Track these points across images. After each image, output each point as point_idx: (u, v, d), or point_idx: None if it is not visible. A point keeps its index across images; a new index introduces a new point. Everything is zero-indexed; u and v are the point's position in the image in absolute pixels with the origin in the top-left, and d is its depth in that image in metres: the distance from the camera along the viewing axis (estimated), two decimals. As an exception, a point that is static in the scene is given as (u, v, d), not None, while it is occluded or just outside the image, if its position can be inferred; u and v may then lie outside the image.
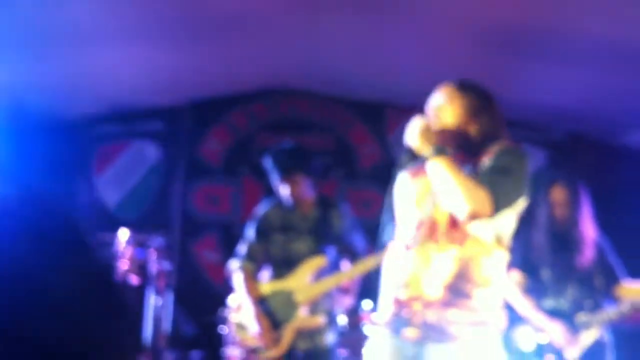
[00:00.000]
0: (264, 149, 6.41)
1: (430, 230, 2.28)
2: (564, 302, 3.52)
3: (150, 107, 6.42)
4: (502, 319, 2.31)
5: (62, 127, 6.20)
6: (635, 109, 5.50)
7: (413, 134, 2.30)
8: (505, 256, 2.31)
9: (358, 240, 3.77)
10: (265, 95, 6.51)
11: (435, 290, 2.22)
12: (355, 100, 6.52)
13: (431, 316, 2.22)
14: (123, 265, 4.47)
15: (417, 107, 7.16)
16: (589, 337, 3.46)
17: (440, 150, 2.26)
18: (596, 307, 3.52)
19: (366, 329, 4.69)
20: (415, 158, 2.39)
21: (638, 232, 5.79)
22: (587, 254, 3.55)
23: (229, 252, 3.87)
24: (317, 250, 3.66)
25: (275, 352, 3.54)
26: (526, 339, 3.54)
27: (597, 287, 3.56)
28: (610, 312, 3.45)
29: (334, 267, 3.72)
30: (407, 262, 2.30)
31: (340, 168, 6.46)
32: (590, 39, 4.60)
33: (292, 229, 3.71)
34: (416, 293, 2.25)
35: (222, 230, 6.34)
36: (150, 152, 6.41)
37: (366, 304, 4.58)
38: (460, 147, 2.35)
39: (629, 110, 5.56)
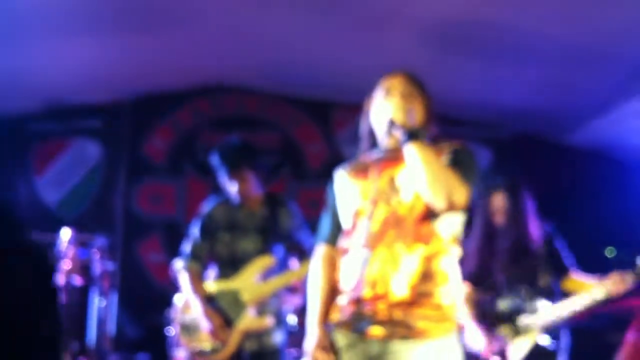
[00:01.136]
0: (208, 147, 6.33)
1: (397, 228, 2.23)
2: (518, 304, 3.49)
3: (90, 104, 6.27)
4: (460, 316, 2.32)
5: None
6: (580, 108, 5.61)
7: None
8: (458, 253, 2.30)
9: (307, 239, 3.71)
10: (210, 91, 6.43)
11: (403, 290, 2.18)
12: (301, 99, 6.49)
13: (397, 314, 2.18)
14: (66, 265, 4.33)
15: (363, 104, 7.21)
16: (524, 343, 3.41)
17: (418, 133, 2.25)
18: (543, 307, 3.49)
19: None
20: (374, 146, 2.39)
21: (583, 229, 5.93)
22: (538, 254, 3.56)
23: (174, 252, 3.79)
24: (265, 249, 3.59)
25: (222, 354, 3.47)
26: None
27: (544, 285, 3.55)
28: (556, 311, 3.41)
29: (282, 265, 3.66)
30: (368, 261, 2.23)
31: (288, 167, 6.42)
32: (535, 37, 4.67)
33: (239, 227, 3.63)
34: (382, 292, 2.20)
35: (167, 230, 6.23)
36: (92, 150, 6.26)
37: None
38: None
39: (573, 109, 5.67)
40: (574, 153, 6.29)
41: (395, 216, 2.24)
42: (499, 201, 3.60)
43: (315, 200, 6.02)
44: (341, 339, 2.26)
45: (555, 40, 4.67)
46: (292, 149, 6.46)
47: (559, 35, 4.61)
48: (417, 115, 2.37)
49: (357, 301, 2.22)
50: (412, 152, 2.20)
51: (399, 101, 2.31)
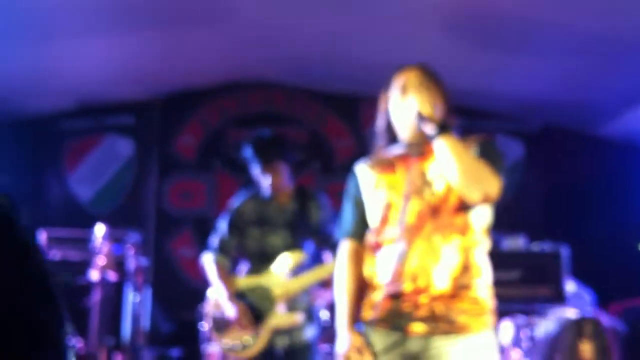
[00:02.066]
0: (237, 143, 6.39)
1: (434, 220, 2.20)
2: None
3: (121, 101, 6.33)
4: (494, 308, 2.27)
5: (29, 122, 6.07)
6: (610, 100, 5.56)
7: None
8: (488, 245, 2.28)
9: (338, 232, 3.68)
10: (237, 88, 6.45)
11: (445, 283, 2.16)
12: (329, 93, 6.49)
13: (439, 308, 2.15)
14: (101, 261, 4.38)
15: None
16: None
17: (448, 126, 2.22)
18: None
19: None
20: (394, 140, 2.36)
21: (613, 221, 5.88)
22: None
23: (205, 248, 3.79)
24: (294, 244, 3.57)
25: (252, 350, 3.47)
26: None
27: None
28: None
29: (313, 261, 3.63)
30: (406, 254, 2.19)
31: (315, 162, 6.42)
32: (563, 29, 4.63)
33: (268, 222, 3.60)
34: (424, 285, 2.16)
35: (197, 225, 6.27)
36: (123, 146, 6.31)
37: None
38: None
39: (603, 101, 5.62)
40: (604, 145, 6.23)
41: (431, 208, 2.21)
42: (587, 352, 3.50)
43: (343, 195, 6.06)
44: (378, 337, 2.21)
45: (584, 32, 4.63)
46: (320, 145, 6.47)
47: (589, 27, 4.57)
48: (440, 108, 2.32)
49: (395, 296, 2.18)
50: (443, 145, 2.18)
51: (424, 95, 2.26)
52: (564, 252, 4.54)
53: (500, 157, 2.27)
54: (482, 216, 2.24)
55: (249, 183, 3.78)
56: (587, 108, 5.86)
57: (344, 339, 2.24)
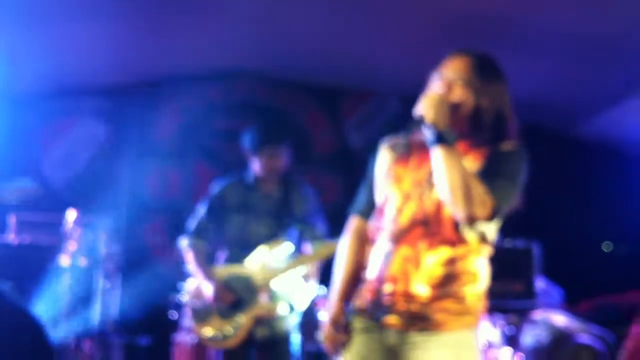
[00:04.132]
0: (216, 132, 6.36)
1: (424, 227, 2.14)
2: None
3: (98, 85, 6.23)
4: (484, 309, 2.22)
5: (6, 102, 5.98)
6: (589, 99, 5.59)
7: (429, 107, 2.08)
8: (489, 251, 2.22)
9: (320, 224, 3.67)
10: (219, 77, 6.39)
11: (424, 290, 2.12)
12: (310, 86, 6.46)
13: (416, 307, 2.13)
14: (71, 246, 4.33)
15: (372, 93, 7.15)
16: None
17: (451, 136, 2.07)
18: None
19: (321, 314, 4.65)
20: (417, 129, 2.17)
21: (592, 220, 5.94)
22: None
23: (178, 237, 3.74)
24: (278, 233, 3.54)
25: (233, 340, 3.44)
26: None
27: None
28: None
29: (295, 250, 3.60)
30: (391, 256, 2.18)
31: (295, 153, 6.40)
32: (545, 29, 4.64)
33: (251, 210, 3.55)
34: (402, 289, 2.14)
35: (171, 214, 6.21)
36: (98, 131, 6.23)
37: (320, 289, 4.53)
38: (471, 132, 2.19)
39: (583, 102, 5.65)
40: (581, 146, 6.28)
41: (424, 215, 2.14)
42: None
43: (322, 187, 6.04)
44: (358, 323, 2.23)
45: (567, 33, 4.65)
46: (300, 136, 6.44)
47: (570, 28, 4.58)
48: (465, 109, 2.16)
49: (377, 292, 2.18)
50: (438, 156, 2.06)
51: (436, 95, 2.11)
52: (536, 249, 4.57)
53: (516, 169, 2.13)
54: (483, 229, 2.15)
55: (225, 173, 3.74)
56: (565, 108, 5.90)
57: (329, 312, 2.30)
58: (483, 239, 2.17)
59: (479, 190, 2.02)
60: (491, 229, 2.19)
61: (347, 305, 2.29)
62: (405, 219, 2.17)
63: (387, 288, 2.16)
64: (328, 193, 5.89)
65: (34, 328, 1.48)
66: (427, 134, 2.10)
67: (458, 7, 4.55)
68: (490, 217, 2.05)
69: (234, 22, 5.18)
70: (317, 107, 6.52)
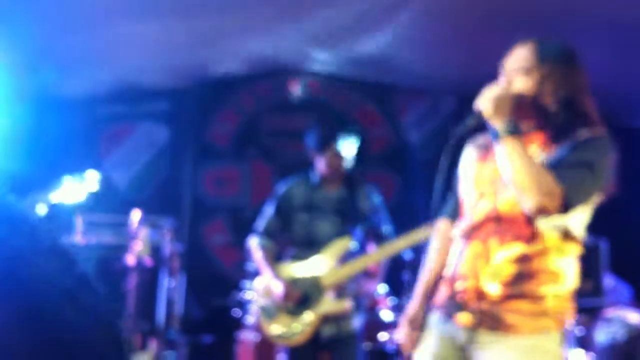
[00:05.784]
0: (271, 131, 6.39)
1: (496, 223, 2.08)
2: None
3: (157, 88, 6.32)
4: (569, 312, 2.10)
5: (67, 105, 6.09)
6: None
7: (487, 101, 2.03)
8: (576, 249, 2.11)
9: (384, 222, 3.66)
10: (271, 75, 6.42)
11: (494, 288, 2.07)
12: (364, 82, 6.44)
13: (486, 306, 2.07)
14: (137, 246, 4.39)
15: (427, 89, 7.06)
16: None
17: (513, 128, 2.02)
18: None
19: (383, 313, 4.63)
20: (481, 127, 2.12)
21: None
22: None
23: (238, 236, 3.78)
24: (343, 231, 3.54)
25: (299, 337, 3.45)
26: None
27: None
28: None
29: (360, 249, 3.61)
30: (463, 252, 2.16)
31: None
32: (601, 20, 4.54)
33: (317, 208, 3.58)
34: (472, 286, 2.10)
35: (231, 213, 6.27)
36: (158, 133, 6.32)
37: (381, 287, 4.51)
38: (541, 124, 2.12)
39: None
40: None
41: (497, 211, 2.10)
42: None
43: (377, 185, 6.03)
44: (434, 321, 2.21)
45: (623, 23, 4.54)
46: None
47: (627, 18, 4.48)
48: (529, 99, 2.08)
49: (452, 289, 2.16)
50: (502, 150, 2.02)
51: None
52: (603, 246, 4.47)
53: (594, 157, 2.01)
54: (557, 222, 2.05)
55: (284, 171, 3.76)
56: (624, 99, 5.75)
57: (408, 309, 2.31)
58: (566, 235, 2.07)
59: (546, 180, 1.95)
60: (576, 225, 2.09)
61: (428, 304, 2.28)
62: (478, 215, 2.14)
63: (460, 285, 2.13)
64: (384, 190, 5.85)
65: (110, 326, 1.50)
66: (490, 129, 2.06)
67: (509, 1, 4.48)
68: (563, 209, 1.96)
69: (284, 18, 5.19)
70: (371, 103, 6.49)
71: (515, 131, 2.02)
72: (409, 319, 2.29)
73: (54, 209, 3.61)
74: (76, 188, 3.66)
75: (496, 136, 2.04)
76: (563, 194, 1.95)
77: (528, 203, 1.97)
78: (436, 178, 2.14)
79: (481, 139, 2.27)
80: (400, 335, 2.30)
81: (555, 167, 2.01)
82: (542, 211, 1.97)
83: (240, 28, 5.38)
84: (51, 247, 1.44)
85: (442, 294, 2.22)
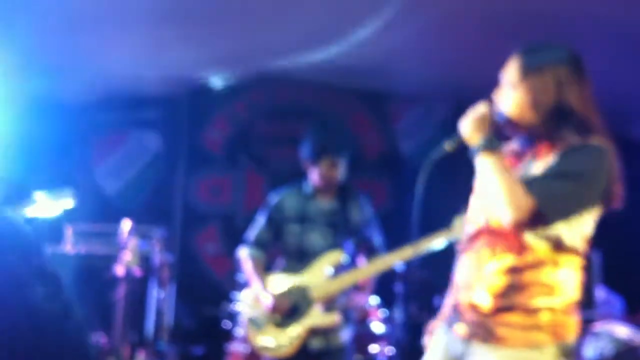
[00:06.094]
0: (264, 139, 6.37)
1: (489, 235, 2.09)
2: None
3: (148, 95, 6.30)
4: (569, 325, 2.06)
5: (59, 112, 6.07)
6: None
7: (467, 122, 2.08)
8: (574, 261, 2.06)
9: (376, 236, 3.64)
10: (264, 83, 6.40)
11: (486, 300, 2.06)
12: (357, 89, 6.42)
13: (477, 317, 2.08)
14: (126, 256, 4.37)
15: (421, 96, 7.03)
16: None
17: (488, 143, 2.03)
18: None
19: (374, 325, 4.60)
20: (459, 147, 2.13)
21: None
22: None
23: (231, 244, 3.75)
24: (335, 243, 3.51)
25: (287, 349, 3.43)
26: None
27: None
28: None
29: (350, 261, 3.57)
30: (462, 264, 2.18)
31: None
32: (599, 26, 4.52)
33: (309, 220, 3.54)
34: (466, 298, 2.11)
35: (223, 221, 6.25)
36: (150, 141, 6.30)
37: (372, 299, 4.49)
38: (535, 137, 2.10)
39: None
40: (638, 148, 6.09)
41: (489, 223, 2.10)
42: None
43: (371, 193, 6.01)
44: (438, 330, 2.26)
45: (621, 31, 4.53)
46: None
47: (626, 26, 4.47)
48: (519, 112, 2.06)
49: (455, 300, 2.19)
50: (479, 164, 2.06)
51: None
52: (596, 258, 4.45)
53: (576, 166, 1.97)
54: (546, 234, 2.01)
55: (277, 179, 3.73)
56: (619, 110, 5.73)
57: (438, 315, 2.35)
58: (559, 247, 2.03)
59: (517, 193, 1.94)
60: (570, 236, 2.04)
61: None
62: (474, 227, 2.16)
63: (457, 296, 2.17)
64: (377, 198, 5.84)
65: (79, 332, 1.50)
66: (469, 149, 2.09)
67: (507, 6, 4.48)
68: (539, 221, 1.95)
69: (276, 26, 5.17)
70: (364, 111, 6.47)
71: (490, 146, 2.04)
72: (428, 329, 2.35)
73: (31, 223, 3.57)
74: (50, 204, 3.61)
75: (473, 153, 2.07)
76: (535, 206, 1.94)
77: (504, 217, 1.98)
78: (415, 196, 2.14)
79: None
80: (427, 340, 2.34)
81: (536, 179, 2.00)
82: (518, 224, 1.96)
83: (231, 35, 5.36)
84: (40, 269, 1.43)
85: (448, 304, 2.25)
